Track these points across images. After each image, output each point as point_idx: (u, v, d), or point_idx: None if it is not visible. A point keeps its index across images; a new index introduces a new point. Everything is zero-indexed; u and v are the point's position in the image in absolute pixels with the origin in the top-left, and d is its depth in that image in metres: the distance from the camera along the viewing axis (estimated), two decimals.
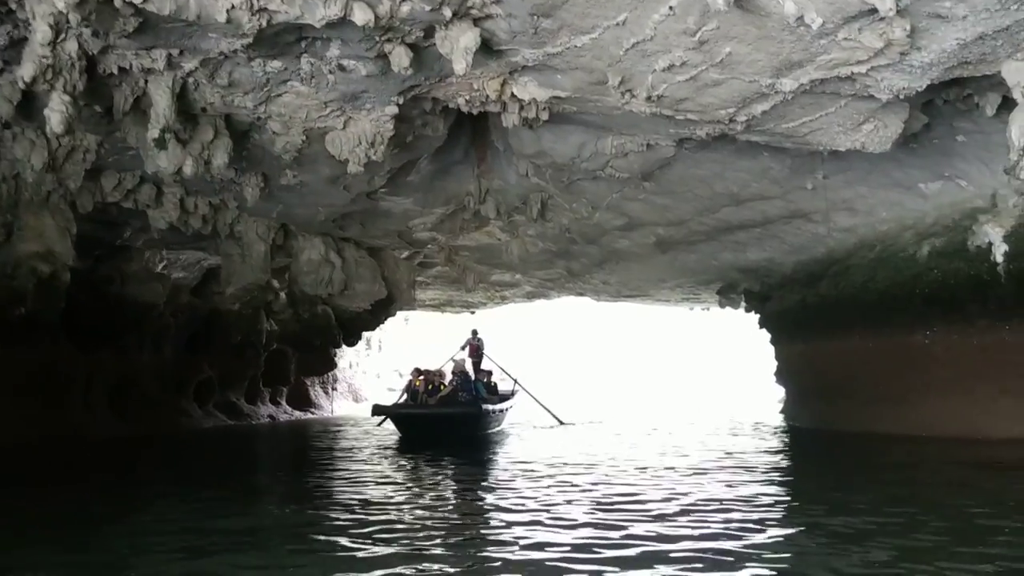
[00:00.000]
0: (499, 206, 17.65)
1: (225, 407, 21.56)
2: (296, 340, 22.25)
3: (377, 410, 17.07)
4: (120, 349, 17.93)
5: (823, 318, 15.91)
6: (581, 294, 25.32)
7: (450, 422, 16.00)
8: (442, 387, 17.07)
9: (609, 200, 16.40)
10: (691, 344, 57.43)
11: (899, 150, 12.08)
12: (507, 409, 19.41)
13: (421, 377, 17.77)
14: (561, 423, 19.61)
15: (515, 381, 22.33)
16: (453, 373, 17.51)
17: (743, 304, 22.24)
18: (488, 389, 19.67)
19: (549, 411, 20.44)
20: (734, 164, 13.91)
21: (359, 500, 8.38)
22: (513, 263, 22.04)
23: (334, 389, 28.34)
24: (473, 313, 29.82)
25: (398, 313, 24.62)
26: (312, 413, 25.91)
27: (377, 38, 8.56)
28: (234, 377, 21.99)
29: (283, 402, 24.71)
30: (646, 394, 38.20)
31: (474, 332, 23.28)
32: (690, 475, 10.13)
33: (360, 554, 5.88)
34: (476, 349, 22.48)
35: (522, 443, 15.52)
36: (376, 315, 21.74)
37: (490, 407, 17.21)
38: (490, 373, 21.12)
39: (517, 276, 24.01)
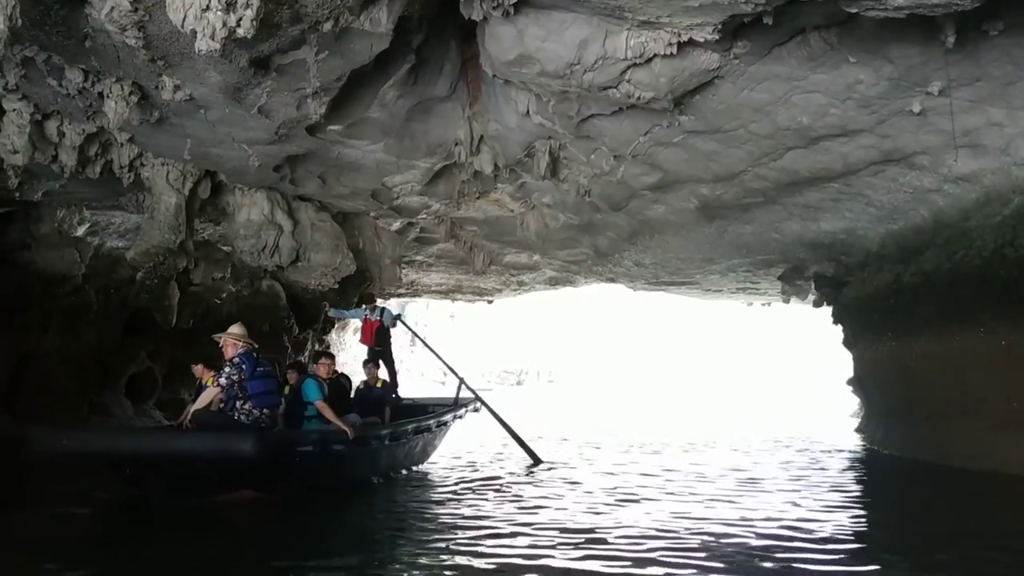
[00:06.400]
0: (497, 157, 14.07)
1: (172, 405, 17.75)
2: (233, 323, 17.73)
3: (38, 441, 8.27)
4: (20, 330, 14.34)
5: (927, 305, 11.38)
6: (612, 279, 21.02)
7: (183, 470, 7.80)
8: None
9: (635, 146, 12.44)
10: (752, 345, 52.71)
11: None
12: (420, 434, 10.81)
13: (210, 371, 9.48)
14: (537, 460, 11.90)
15: (460, 382, 13.39)
16: (228, 362, 8.79)
17: (812, 295, 17.72)
18: (358, 396, 11.07)
19: (517, 438, 12.51)
20: (805, 80, 9.67)
21: None
22: (530, 240, 18.35)
23: None
24: (490, 302, 25.68)
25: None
26: None
27: None
28: (187, 369, 18.13)
29: None
30: (692, 402, 33.56)
31: (369, 299, 14.01)
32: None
33: None
34: (378, 330, 13.16)
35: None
36: (345, 296, 17.69)
37: (314, 440, 8.72)
38: (377, 365, 11.92)
39: (535, 257, 20.20)
